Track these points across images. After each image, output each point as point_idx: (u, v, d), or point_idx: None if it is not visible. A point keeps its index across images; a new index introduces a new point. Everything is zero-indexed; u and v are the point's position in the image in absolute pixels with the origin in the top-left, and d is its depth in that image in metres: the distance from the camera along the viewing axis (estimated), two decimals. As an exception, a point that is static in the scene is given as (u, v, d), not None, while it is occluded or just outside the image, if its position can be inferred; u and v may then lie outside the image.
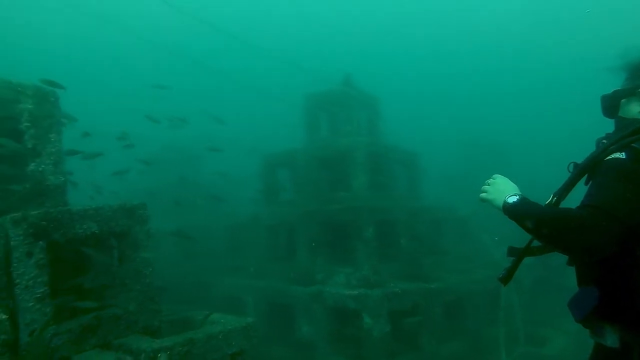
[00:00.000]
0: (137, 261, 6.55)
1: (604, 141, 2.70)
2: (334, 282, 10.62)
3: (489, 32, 46.90)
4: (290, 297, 11.02)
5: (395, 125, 14.90)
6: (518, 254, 2.86)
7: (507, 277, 2.88)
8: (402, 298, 10.06)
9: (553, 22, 45.47)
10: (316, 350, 10.41)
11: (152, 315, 6.58)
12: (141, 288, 6.53)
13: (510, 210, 2.66)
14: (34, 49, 38.61)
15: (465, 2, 47.96)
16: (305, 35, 48.35)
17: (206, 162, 20.37)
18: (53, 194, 6.76)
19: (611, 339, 2.54)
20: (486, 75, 48.17)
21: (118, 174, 13.29)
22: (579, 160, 2.75)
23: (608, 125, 3.00)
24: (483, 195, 2.91)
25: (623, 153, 2.47)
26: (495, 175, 2.94)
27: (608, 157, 2.51)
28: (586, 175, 2.69)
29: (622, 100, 2.91)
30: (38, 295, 5.39)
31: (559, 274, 11.66)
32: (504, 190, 2.78)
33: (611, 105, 2.96)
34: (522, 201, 2.64)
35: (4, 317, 5.15)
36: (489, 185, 2.91)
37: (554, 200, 2.75)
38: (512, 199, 2.68)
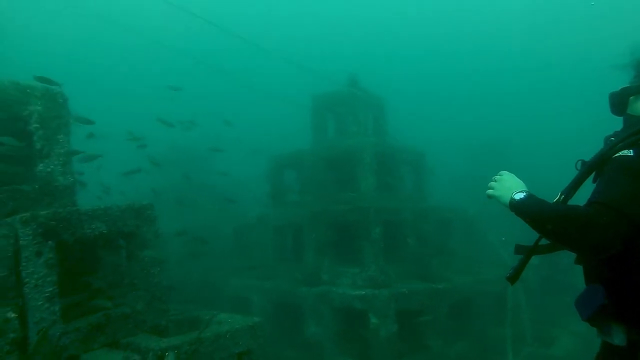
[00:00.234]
0: (145, 261, 6.59)
1: (612, 139, 2.69)
2: (341, 282, 10.62)
3: (493, 33, 46.78)
4: (297, 298, 11.03)
5: (402, 125, 14.88)
6: (526, 252, 2.84)
7: (514, 276, 2.86)
8: (409, 298, 10.05)
9: (557, 21, 45.31)
10: (323, 351, 10.41)
11: (160, 315, 6.62)
12: (149, 287, 6.56)
13: (516, 207, 2.64)
14: (42, 51, 38.83)
15: (468, 2, 47.85)
16: (311, 36, 48.38)
17: (213, 163, 20.46)
18: (62, 194, 6.81)
19: (618, 338, 2.52)
20: (492, 75, 48.04)
21: (128, 174, 13.36)
22: (586, 160, 2.75)
23: (614, 125, 2.99)
24: (490, 191, 2.89)
25: (631, 150, 2.46)
26: (502, 172, 2.93)
27: (616, 155, 2.50)
28: (594, 173, 2.68)
29: (631, 97, 2.90)
30: (47, 294, 5.43)
31: (566, 274, 11.63)
32: (510, 186, 2.77)
33: (619, 102, 2.94)
34: (529, 198, 2.62)
35: (13, 315, 5.20)
36: (495, 181, 2.90)
37: (561, 198, 2.73)
38: (519, 196, 2.66)
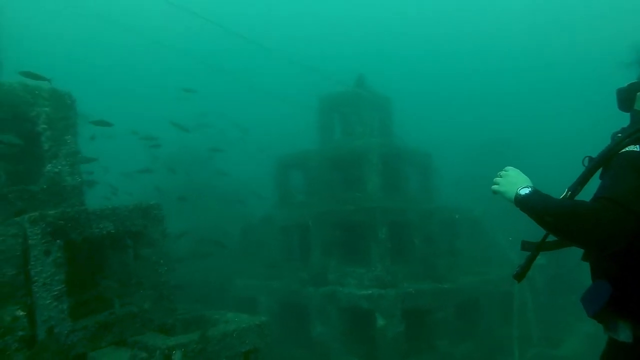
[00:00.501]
0: (152, 260, 6.63)
1: (619, 135, 2.68)
2: (347, 282, 10.62)
3: (494, 32, 46.79)
4: (304, 298, 11.05)
5: (406, 126, 14.89)
6: (533, 249, 2.82)
7: (521, 274, 2.85)
8: (415, 298, 10.05)
9: (559, 21, 45.26)
10: (330, 351, 10.42)
11: (167, 314, 6.66)
12: (156, 287, 6.60)
13: (522, 202, 2.62)
14: (46, 52, 39.09)
15: (470, 2, 47.82)
16: (314, 36, 48.44)
17: (216, 163, 20.52)
18: (70, 194, 6.88)
19: (624, 334, 2.50)
20: (495, 75, 47.95)
21: (142, 172, 13.45)
22: (593, 156, 2.73)
23: (621, 123, 2.98)
24: (495, 187, 2.86)
25: (638, 146, 2.44)
26: (507, 167, 2.89)
27: (623, 150, 2.48)
28: (601, 169, 2.66)
29: (638, 93, 2.88)
30: (55, 293, 5.48)
31: (573, 273, 11.58)
32: (515, 182, 2.74)
33: (627, 98, 2.92)
34: (535, 193, 2.60)
35: (21, 313, 5.25)
36: (500, 177, 2.87)
37: (568, 194, 2.71)
38: (524, 191, 2.63)
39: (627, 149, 2.48)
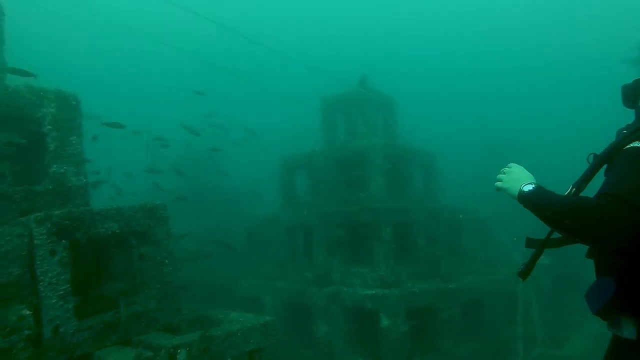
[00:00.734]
0: (157, 260, 6.66)
1: (625, 131, 2.68)
2: (352, 282, 10.63)
3: (496, 32, 46.76)
4: (308, 298, 11.06)
5: (410, 126, 14.88)
6: (537, 246, 2.81)
7: (526, 272, 2.84)
8: (420, 298, 10.04)
9: (562, 20, 45.15)
10: (334, 351, 10.43)
11: (172, 313, 6.68)
12: (161, 286, 6.63)
13: (525, 199, 2.62)
14: (53, 55, 39.35)
15: (474, 2, 47.80)
16: (319, 37, 48.53)
17: (220, 163, 20.58)
18: (75, 195, 6.91)
19: (628, 331, 2.49)
20: (498, 75, 47.91)
21: (150, 172, 13.49)
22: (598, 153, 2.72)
23: (623, 122, 2.97)
24: (498, 184, 2.87)
25: None
26: (510, 164, 2.90)
27: (627, 146, 2.47)
28: (605, 166, 2.64)
29: None
30: (61, 292, 5.52)
31: (578, 273, 11.54)
32: (519, 178, 2.74)
33: (632, 94, 2.89)
34: (538, 190, 2.60)
35: (27, 312, 5.29)
36: (504, 173, 2.87)
37: (572, 191, 2.71)
38: (528, 188, 2.63)
39: (631, 145, 2.47)
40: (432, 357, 10.08)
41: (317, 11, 51.21)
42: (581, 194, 2.66)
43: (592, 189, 2.57)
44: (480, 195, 15.14)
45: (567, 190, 2.74)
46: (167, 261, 6.74)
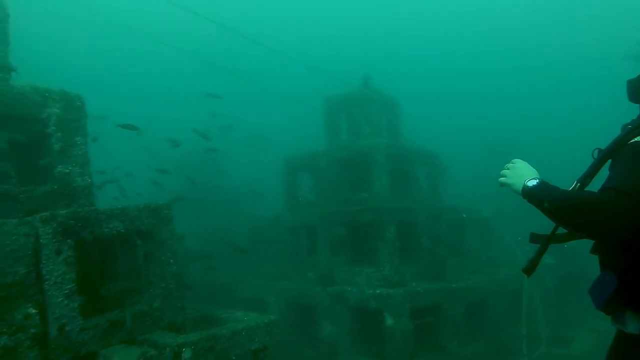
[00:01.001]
0: (162, 260, 6.68)
1: (629, 126, 2.68)
2: (355, 282, 10.64)
3: (499, 32, 46.71)
4: (313, 298, 11.07)
5: (413, 126, 14.88)
6: (542, 242, 2.80)
7: (531, 268, 2.83)
8: (424, 297, 10.04)
9: (564, 20, 45.11)
10: (339, 350, 10.43)
11: (177, 312, 6.70)
12: (166, 286, 6.65)
13: (529, 194, 2.61)
14: (56, 56, 39.54)
15: (477, 2, 47.79)
16: (320, 38, 48.56)
17: (221, 163, 20.62)
18: (80, 195, 6.94)
19: (632, 326, 2.48)
20: (500, 75, 47.86)
21: (161, 172, 13.53)
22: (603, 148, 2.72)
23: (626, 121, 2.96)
24: (502, 179, 2.85)
25: None
26: (514, 160, 2.89)
27: (632, 140, 2.47)
28: (610, 161, 2.63)
29: None
30: (66, 291, 5.55)
31: (582, 272, 11.52)
32: (523, 174, 2.74)
33: (637, 89, 2.87)
34: (542, 185, 2.59)
35: (33, 311, 5.32)
36: (508, 169, 2.86)
37: (577, 186, 2.69)
38: (532, 183, 2.63)
39: (636, 139, 2.46)
40: (436, 357, 10.08)
41: (318, 11, 51.28)
42: (586, 189, 2.67)
43: (596, 185, 2.58)
44: (481, 195, 15.14)
45: (572, 186, 2.73)
46: (171, 260, 6.75)
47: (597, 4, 42.70)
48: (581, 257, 11.98)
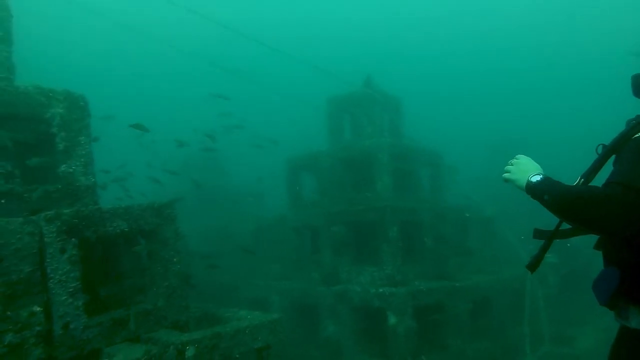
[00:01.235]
0: (165, 259, 6.70)
1: (634, 121, 2.68)
2: (359, 281, 10.64)
3: (503, 31, 46.68)
4: (316, 297, 11.08)
5: (415, 126, 14.87)
6: (546, 237, 2.82)
7: (535, 264, 2.85)
8: (427, 296, 10.04)
9: (568, 19, 45.04)
10: (342, 349, 10.44)
11: (180, 311, 6.72)
12: (169, 285, 6.67)
13: (533, 190, 2.62)
14: (56, 57, 39.72)
15: (477, 3, 47.79)
16: (322, 38, 48.62)
17: (224, 164, 20.65)
18: (83, 194, 6.97)
19: (636, 321, 2.50)
20: (503, 75, 47.87)
21: (169, 172, 13.53)
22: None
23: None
24: (506, 175, 2.87)
25: None
26: (518, 155, 2.90)
27: (635, 135, 2.48)
28: (614, 156, 2.64)
29: None
30: (70, 290, 5.58)
31: (585, 271, 11.51)
32: (527, 170, 2.75)
33: None
34: (546, 180, 2.60)
35: (38, 309, 5.36)
36: (512, 165, 2.87)
37: (581, 181, 2.70)
38: (536, 178, 2.64)
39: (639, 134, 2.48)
40: (439, 356, 10.07)
41: (319, 12, 51.34)
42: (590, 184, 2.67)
43: (600, 181, 2.58)
44: (485, 195, 15.13)
45: (576, 181, 2.73)
46: (175, 259, 6.78)
47: (597, 4, 42.64)
48: (584, 256, 12.00)
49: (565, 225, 2.75)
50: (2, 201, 6.24)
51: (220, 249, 13.55)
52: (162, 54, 29.47)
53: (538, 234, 2.92)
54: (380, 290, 9.93)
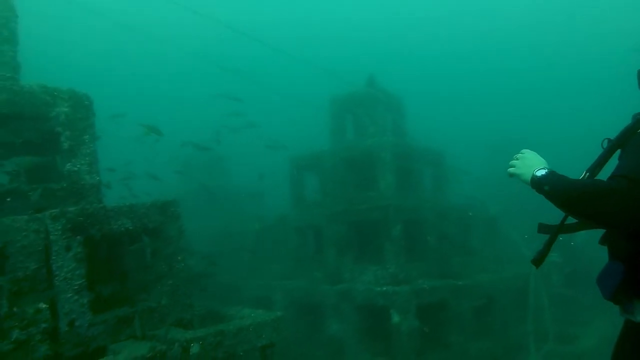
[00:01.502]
0: (170, 257, 6.73)
1: (639, 116, 2.69)
2: (362, 280, 10.65)
3: (504, 31, 46.67)
4: (319, 296, 11.09)
5: (417, 126, 14.87)
6: (551, 232, 2.80)
7: (540, 259, 2.84)
8: (430, 295, 10.05)
9: (568, 19, 45.04)
10: (346, 348, 10.45)
11: (185, 309, 6.75)
12: (174, 283, 6.70)
13: (538, 184, 2.61)
14: (56, 57, 39.79)
15: (478, 3, 47.81)
16: (324, 38, 48.62)
17: (226, 164, 20.67)
18: (88, 192, 7.00)
19: (640, 315, 2.48)
20: (504, 75, 47.82)
21: (178, 173, 13.49)
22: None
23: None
24: (511, 170, 2.86)
25: None
26: (523, 150, 2.88)
27: None
28: (620, 151, 2.62)
29: None
30: (76, 287, 5.62)
31: (589, 271, 11.51)
32: (532, 164, 2.73)
33: None
34: (552, 174, 2.59)
35: (44, 306, 5.39)
36: (517, 159, 2.86)
37: (586, 175, 2.68)
38: (541, 172, 2.62)
39: None
40: (443, 354, 10.08)
41: (320, 12, 51.36)
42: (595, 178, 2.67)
43: (605, 175, 2.59)
44: (485, 195, 15.13)
45: (581, 175, 2.71)
46: (179, 257, 6.81)
47: (597, 4, 42.65)
48: (587, 255, 12.00)
49: (571, 220, 2.76)
50: (8, 199, 6.27)
51: (221, 248, 13.55)
52: (163, 54, 29.54)
53: (543, 228, 2.89)
54: (384, 288, 9.94)
